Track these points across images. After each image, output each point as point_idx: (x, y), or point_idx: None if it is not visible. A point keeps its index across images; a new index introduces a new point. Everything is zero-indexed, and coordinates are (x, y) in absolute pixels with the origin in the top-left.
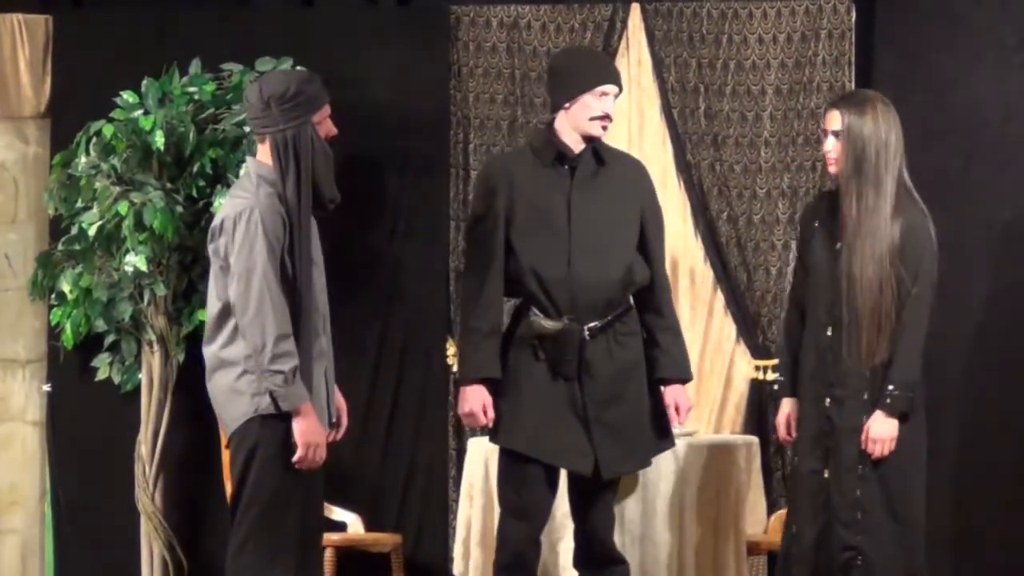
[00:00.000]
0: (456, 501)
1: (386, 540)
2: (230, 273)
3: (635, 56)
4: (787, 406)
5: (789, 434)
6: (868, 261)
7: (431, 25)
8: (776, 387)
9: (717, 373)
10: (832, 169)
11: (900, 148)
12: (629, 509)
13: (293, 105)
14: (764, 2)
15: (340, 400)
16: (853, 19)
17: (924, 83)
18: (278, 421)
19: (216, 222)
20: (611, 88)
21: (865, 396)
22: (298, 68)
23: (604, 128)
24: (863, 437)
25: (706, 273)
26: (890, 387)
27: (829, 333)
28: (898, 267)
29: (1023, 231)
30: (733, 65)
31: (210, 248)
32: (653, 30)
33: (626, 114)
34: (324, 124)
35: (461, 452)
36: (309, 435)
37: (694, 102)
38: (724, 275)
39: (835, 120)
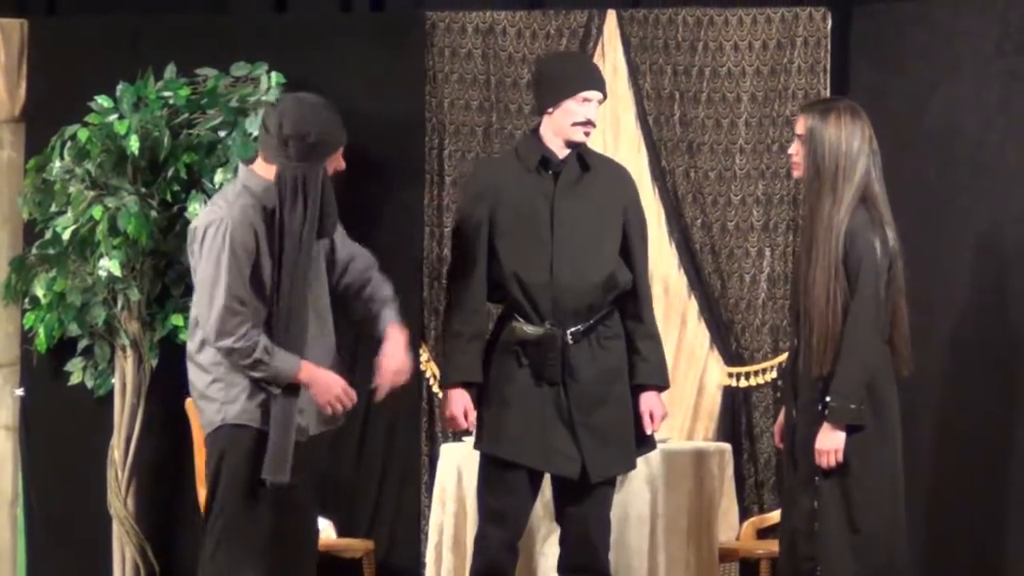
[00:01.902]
0: (428, 507)
1: (358, 546)
2: (195, 282)
3: (610, 63)
4: (782, 414)
5: (781, 442)
6: (819, 271)
7: (406, 31)
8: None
9: (690, 380)
10: (795, 173)
11: (866, 158)
12: None
13: (311, 150)
14: (740, 9)
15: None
16: (829, 27)
17: (900, 91)
18: (244, 430)
19: (192, 226)
20: (594, 94)
21: (819, 407)
22: (310, 100)
23: (587, 134)
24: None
25: (680, 280)
26: (827, 398)
27: (795, 342)
28: (843, 279)
29: (998, 240)
30: (708, 72)
31: (188, 251)
32: (628, 37)
33: (601, 120)
34: (335, 160)
35: (433, 458)
36: (324, 393)
37: (669, 109)
38: (698, 282)
39: (800, 124)
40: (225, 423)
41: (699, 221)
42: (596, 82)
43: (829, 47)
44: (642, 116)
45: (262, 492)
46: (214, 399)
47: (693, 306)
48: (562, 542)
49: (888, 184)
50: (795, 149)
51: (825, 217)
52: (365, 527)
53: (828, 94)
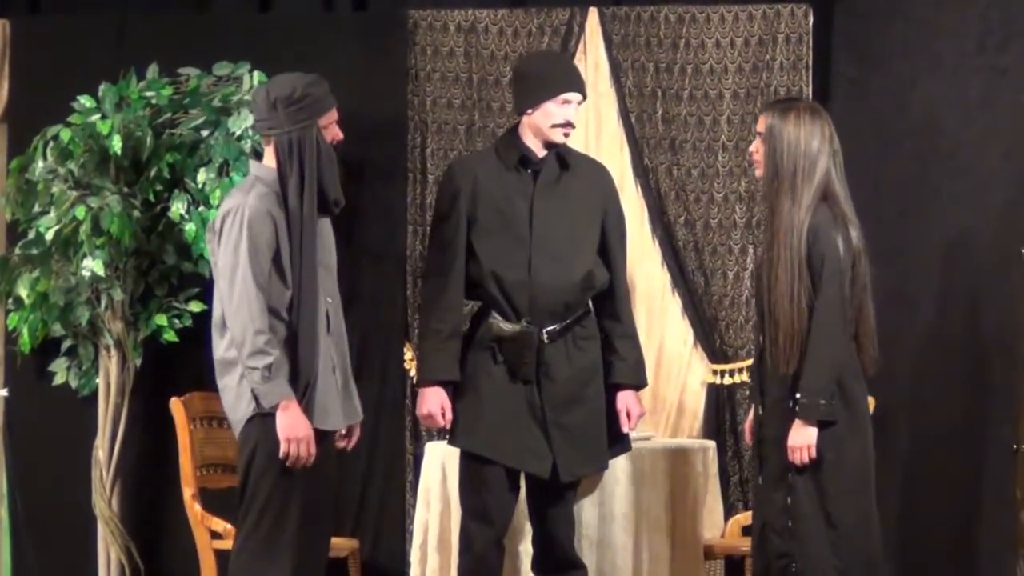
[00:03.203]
0: (413, 506)
1: (343, 545)
2: (217, 270)
3: (592, 60)
4: (752, 411)
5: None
6: (782, 270)
7: (388, 29)
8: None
9: (674, 377)
10: (756, 172)
11: (826, 158)
12: (587, 514)
13: (299, 108)
14: (721, 6)
15: (358, 408)
16: (811, 23)
17: (882, 88)
18: (274, 420)
19: (210, 223)
20: (573, 96)
21: (790, 404)
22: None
23: (566, 135)
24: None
25: (663, 277)
26: (798, 395)
27: (761, 340)
28: (806, 277)
29: (979, 236)
30: (691, 69)
31: (209, 250)
32: (610, 34)
33: (583, 118)
34: (330, 129)
35: (418, 457)
36: (290, 430)
37: (651, 106)
38: (681, 279)
39: (760, 122)
40: (257, 413)
41: (682, 219)
42: (576, 84)
43: (811, 44)
44: (624, 114)
45: (290, 485)
46: (244, 393)
47: (676, 303)
48: (535, 541)
49: (869, 180)
50: (755, 147)
51: (786, 216)
52: (350, 526)
53: (810, 91)
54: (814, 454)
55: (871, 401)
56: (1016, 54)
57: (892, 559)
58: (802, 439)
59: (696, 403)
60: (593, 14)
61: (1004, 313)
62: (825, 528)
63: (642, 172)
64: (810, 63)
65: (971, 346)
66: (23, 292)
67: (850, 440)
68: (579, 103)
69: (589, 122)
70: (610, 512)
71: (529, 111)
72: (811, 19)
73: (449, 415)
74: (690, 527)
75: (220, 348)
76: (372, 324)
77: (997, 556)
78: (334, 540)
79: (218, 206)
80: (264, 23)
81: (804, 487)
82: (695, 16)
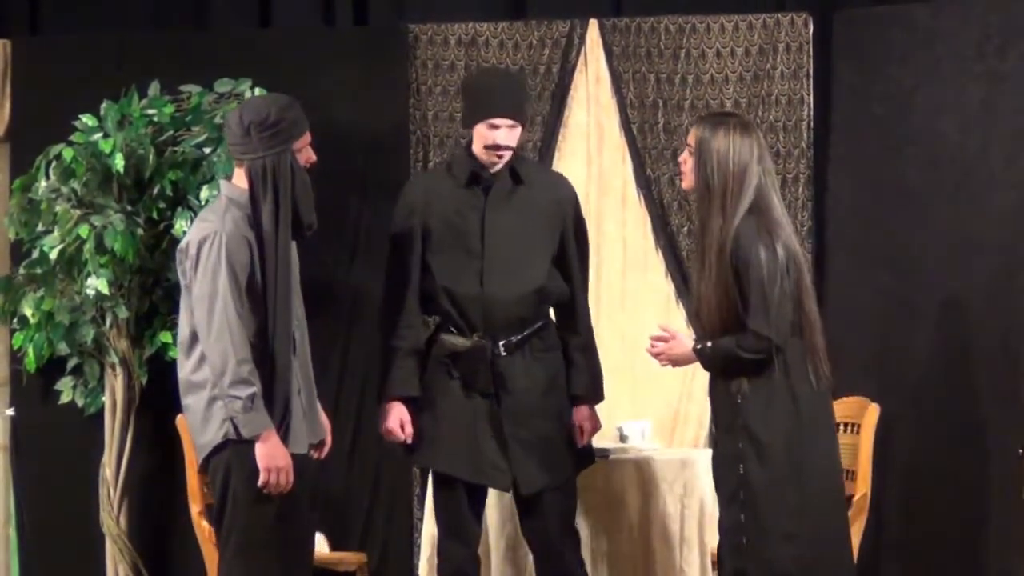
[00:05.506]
0: (420, 519)
1: (351, 559)
2: (193, 297)
3: (593, 72)
4: None
5: None
6: (712, 287)
7: (389, 44)
8: None
9: (679, 387)
10: (683, 183)
11: (756, 176)
12: (593, 524)
13: (273, 133)
14: (722, 16)
15: (324, 420)
16: (811, 32)
17: (882, 95)
18: (248, 446)
19: (182, 245)
20: (501, 121)
21: (738, 422)
22: (274, 94)
23: (500, 157)
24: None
25: (667, 287)
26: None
27: None
28: (735, 294)
29: (981, 241)
30: (691, 79)
31: (178, 271)
32: (611, 46)
33: (585, 130)
34: (304, 151)
35: (425, 470)
36: (269, 459)
37: (653, 117)
38: (685, 289)
39: (691, 134)
40: (227, 439)
41: (685, 228)
42: (504, 107)
43: (811, 52)
44: (626, 124)
45: (268, 512)
46: (214, 417)
47: (681, 314)
48: (533, 553)
49: (871, 187)
50: (684, 158)
51: (716, 233)
52: (358, 540)
53: (811, 99)
54: (664, 356)
55: (875, 408)
56: (1015, 59)
57: (898, 564)
58: (679, 349)
59: (701, 412)
60: (593, 26)
61: (1008, 318)
62: (781, 540)
63: (645, 183)
64: (811, 72)
65: (975, 352)
66: (28, 311)
67: (809, 449)
68: (510, 127)
69: (591, 133)
70: (617, 522)
71: (469, 131)
72: (811, 28)
73: (409, 429)
74: (697, 536)
75: (186, 368)
76: (376, 339)
77: (1003, 561)
78: (342, 554)
79: None
80: (265, 39)
81: (763, 500)
82: (695, 27)
